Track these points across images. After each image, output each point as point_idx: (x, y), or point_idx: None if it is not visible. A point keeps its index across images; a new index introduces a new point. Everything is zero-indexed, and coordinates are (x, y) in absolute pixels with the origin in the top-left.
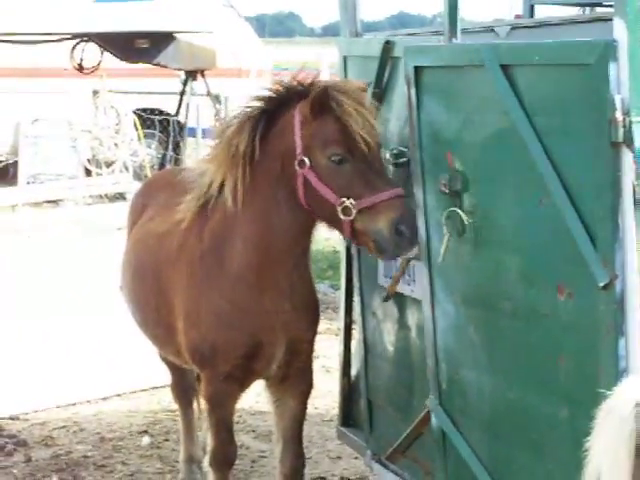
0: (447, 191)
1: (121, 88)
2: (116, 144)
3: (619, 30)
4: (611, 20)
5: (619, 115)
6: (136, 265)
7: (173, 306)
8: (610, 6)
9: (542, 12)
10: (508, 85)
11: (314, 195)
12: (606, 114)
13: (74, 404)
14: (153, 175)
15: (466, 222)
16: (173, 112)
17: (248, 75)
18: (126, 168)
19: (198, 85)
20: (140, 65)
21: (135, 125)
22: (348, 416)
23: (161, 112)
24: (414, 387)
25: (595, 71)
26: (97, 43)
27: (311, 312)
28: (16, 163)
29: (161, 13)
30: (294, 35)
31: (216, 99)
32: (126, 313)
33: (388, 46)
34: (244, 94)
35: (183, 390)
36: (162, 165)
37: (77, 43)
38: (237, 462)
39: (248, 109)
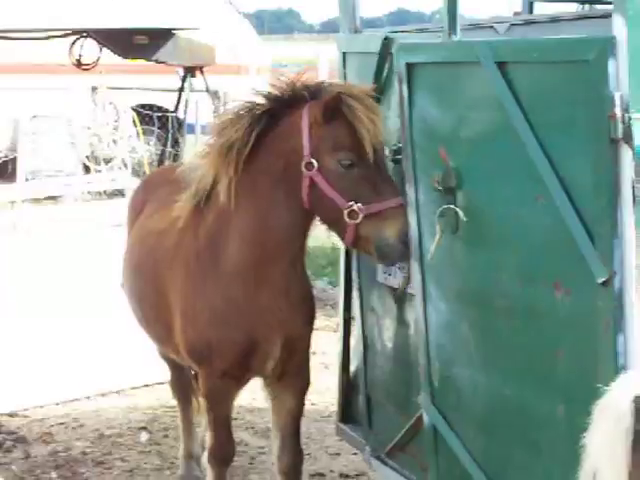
0: (440, 188)
1: (120, 84)
2: (115, 141)
3: (618, 27)
4: (610, 17)
5: (618, 112)
6: (135, 263)
7: (170, 304)
8: (610, 3)
9: (541, 9)
10: (504, 82)
11: (320, 197)
12: (605, 111)
13: (73, 400)
14: (153, 172)
15: (463, 219)
16: (172, 109)
17: (247, 72)
18: (125, 165)
19: (197, 82)
20: (139, 61)
21: (134, 122)
22: (347, 412)
23: (160, 109)
24: (413, 383)
25: (594, 68)
26: (96, 39)
27: (307, 309)
28: (15, 159)
29: (160, 10)
30: (293, 32)
31: (215, 95)
32: (125, 310)
33: (387, 42)
34: (243, 91)
35: (182, 387)
36: (161, 162)
37: (76, 39)
38: (236, 459)
39: (248, 104)
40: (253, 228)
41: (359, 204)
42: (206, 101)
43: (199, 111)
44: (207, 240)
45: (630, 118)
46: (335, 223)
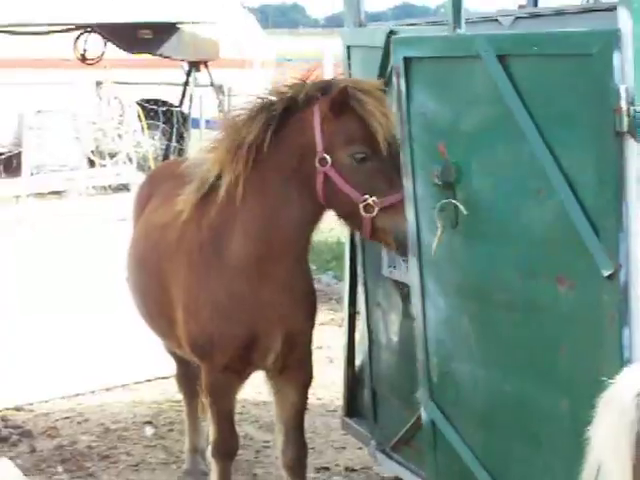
0: (439, 183)
1: (124, 79)
2: (120, 135)
3: (623, 19)
4: (615, 10)
5: (623, 105)
6: (139, 257)
7: (172, 298)
8: None
9: (546, 2)
10: (505, 76)
11: (335, 193)
12: (610, 104)
13: (78, 395)
14: (158, 166)
15: (463, 212)
16: (176, 103)
17: (251, 66)
18: (130, 159)
19: (201, 76)
20: (143, 56)
21: (139, 116)
22: (352, 406)
23: (164, 103)
24: (418, 378)
25: (598, 61)
26: (100, 34)
27: (308, 304)
28: (20, 154)
29: (164, 4)
30: (297, 26)
31: (219, 90)
32: (130, 304)
33: (392, 36)
34: (248, 85)
35: (188, 381)
36: (166, 156)
37: (80, 34)
38: (241, 452)
39: (262, 102)
40: (260, 224)
41: (374, 197)
42: (211, 95)
43: (204, 106)
44: (210, 234)
45: (636, 111)
46: (351, 217)
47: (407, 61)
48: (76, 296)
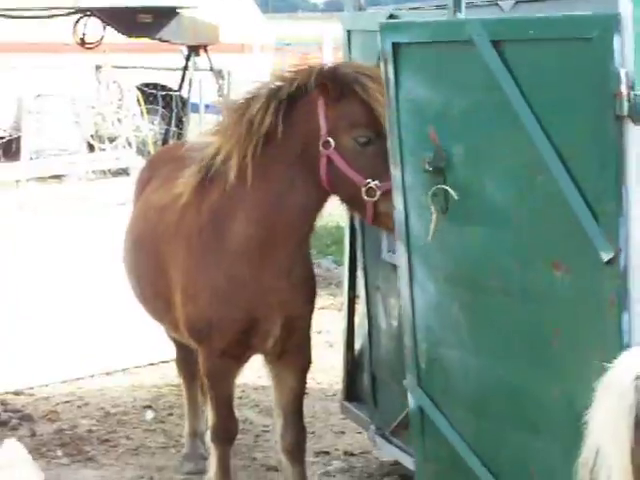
0: (430, 169)
1: (124, 63)
2: (119, 119)
3: (624, 3)
4: None
5: (624, 89)
6: (135, 238)
7: (170, 280)
8: None
9: None
10: (500, 61)
11: (338, 176)
12: (610, 88)
13: (78, 379)
14: (159, 150)
15: (455, 197)
16: (176, 87)
17: (251, 50)
18: (129, 144)
19: (201, 60)
20: (143, 40)
21: (138, 101)
22: (352, 391)
23: (164, 87)
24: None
25: (598, 45)
26: (99, 18)
27: (308, 289)
28: (19, 138)
29: None
30: (297, 10)
31: (219, 74)
32: (128, 287)
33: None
34: (247, 69)
35: (187, 365)
36: (165, 141)
37: (80, 18)
38: (240, 437)
39: (269, 86)
40: (263, 208)
41: (376, 181)
42: (210, 80)
43: (203, 90)
44: (210, 217)
45: (636, 95)
46: (354, 201)
47: (395, 47)
48: (76, 280)
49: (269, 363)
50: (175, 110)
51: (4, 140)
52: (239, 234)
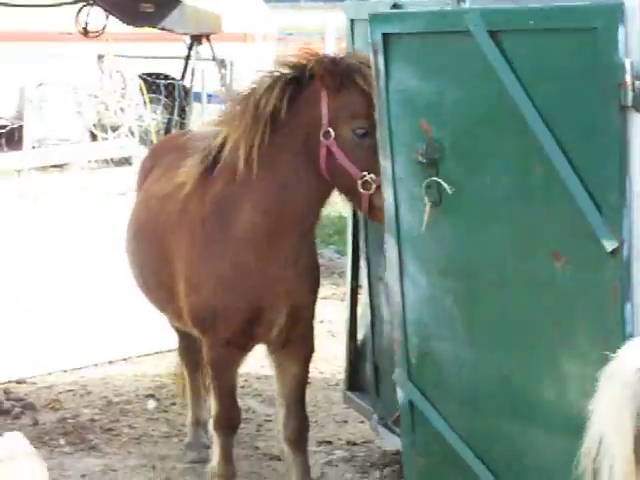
0: (424, 160)
1: (126, 52)
2: (122, 109)
3: None
4: None
5: (629, 79)
6: (137, 227)
7: (174, 269)
8: None
9: None
10: (498, 52)
11: (336, 167)
12: (614, 78)
13: (81, 368)
14: (161, 139)
15: (449, 191)
16: (178, 77)
17: (253, 40)
18: (132, 133)
19: (203, 50)
20: (145, 29)
21: (141, 90)
22: (354, 380)
23: (166, 77)
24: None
25: (603, 35)
26: (102, 7)
27: (313, 279)
28: (21, 127)
29: None
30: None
31: (221, 64)
32: (130, 276)
33: (396, 9)
34: (249, 59)
35: (190, 354)
36: (167, 130)
37: (82, 7)
38: (243, 426)
39: (274, 73)
40: (269, 197)
41: (372, 175)
42: (212, 69)
43: (205, 79)
44: (215, 207)
45: None
46: (350, 193)
47: (386, 37)
48: (78, 269)
49: (272, 352)
50: (178, 99)
51: (6, 129)
52: (245, 223)
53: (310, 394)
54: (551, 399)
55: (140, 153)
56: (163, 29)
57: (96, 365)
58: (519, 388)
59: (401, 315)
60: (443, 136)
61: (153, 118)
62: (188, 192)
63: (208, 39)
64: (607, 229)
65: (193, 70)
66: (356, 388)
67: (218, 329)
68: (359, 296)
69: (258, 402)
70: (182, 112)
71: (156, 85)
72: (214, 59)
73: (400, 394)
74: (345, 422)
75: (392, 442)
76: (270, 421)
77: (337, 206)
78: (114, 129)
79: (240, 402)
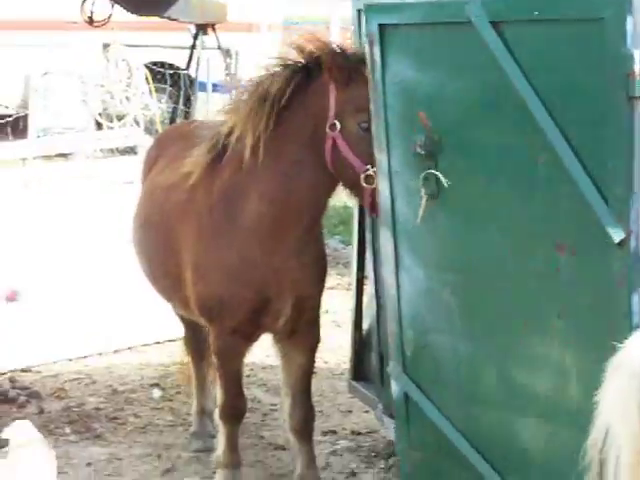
0: (423, 152)
1: (132, 42)
2: (127, 98)
3: None
4: None
5: (637, 69)
6: (144, 217)
7: (181, 259)
8: None
9: None
10: (501, 42)
11: (340, 159)
12: (622, 69)
13: (86, 357)
14: (167, 128)
15: (445, 184)
16: (184, 66)
17: (259, 29)
18: (137, 122)
19: (209, 39)
20: (151, 18)
21: (146, 79)
22: (359, 370)
23: (172, 66)
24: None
25: (610, 25)
26: None
27: (319, 269)
28: (26, 116)
29: None
30: None
31: (227, 53)
32: (137, 266)
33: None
34: (255, 48)
35: (196, 343)
36: (173, 119)
37: None
38: (248, 415)
39: (284, 60)
40: (275, 187)
41: (375, 169)
42: (218, 59)
43: (211, 69)
44: (222, 196)
45: None
46: (354, 187)
47: (382, 28)
48: (83, 258)
49: (278, 342)
50: (183, 89)
51: (11, 118)
52: (252, 212)
53: (315, 384)
54: (551, 391)
55: (145, 142)
56: (168, 18)
57: (101, 354)
58: (518, 380)
59: (396, 308)
60: (442, 127)
61: (158, 107)
62: (195, 181)
63: (213, 28)
64: (614, 220)
65: (198, 59)
66: (361, 378)
67: (224, 318)
68: (364, 286)
69: (263, 391)
70: (187, 101)
71: (161, 74)
72: (219, 48)
73: (394, 387)
74: (350, 412)
75: None
76: (275, 410)
77: (342, 196)
78: (119, 118)
79: (246, 391)
